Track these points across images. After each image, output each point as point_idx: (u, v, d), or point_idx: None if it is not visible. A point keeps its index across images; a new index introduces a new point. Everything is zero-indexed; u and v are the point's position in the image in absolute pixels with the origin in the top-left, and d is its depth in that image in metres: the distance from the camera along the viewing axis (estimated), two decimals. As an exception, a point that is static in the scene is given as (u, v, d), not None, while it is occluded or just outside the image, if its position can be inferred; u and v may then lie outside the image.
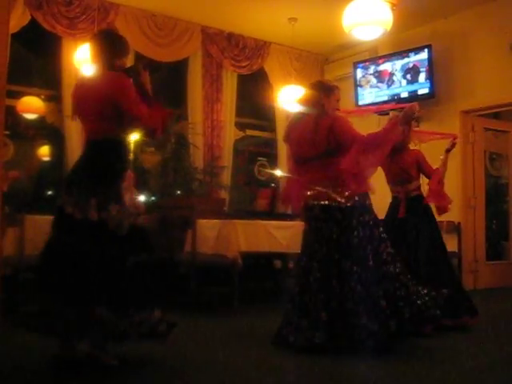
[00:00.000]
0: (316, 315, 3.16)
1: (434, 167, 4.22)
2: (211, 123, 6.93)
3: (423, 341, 3.59)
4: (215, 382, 2.68)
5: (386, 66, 6.76)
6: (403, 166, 4.15)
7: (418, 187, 4.21)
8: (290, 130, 3.57)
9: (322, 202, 3.32)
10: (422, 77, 6.40)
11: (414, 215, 4.11)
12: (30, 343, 3.00)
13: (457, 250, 6.13)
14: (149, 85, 2.93)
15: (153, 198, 6.07)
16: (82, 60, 5.45)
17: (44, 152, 6.92)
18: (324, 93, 3.41)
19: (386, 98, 6.75)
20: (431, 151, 4.37)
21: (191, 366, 2.87)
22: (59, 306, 2.67)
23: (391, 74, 6.71)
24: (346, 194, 3.28)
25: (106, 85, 2.82)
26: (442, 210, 4.21)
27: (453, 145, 4.24)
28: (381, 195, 4.49)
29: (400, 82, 6.62)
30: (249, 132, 7.46)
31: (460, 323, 3.89)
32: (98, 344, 2.74)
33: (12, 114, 5.77)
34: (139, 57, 5.85)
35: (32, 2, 5.61)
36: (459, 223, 6.17)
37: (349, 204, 3.28)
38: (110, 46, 2.91)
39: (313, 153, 3.34)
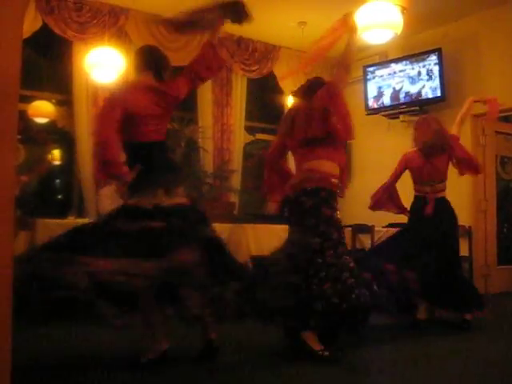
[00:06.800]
0: None
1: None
2: (221, 127, 6.94)
3: (427, 340, 3.59)
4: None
5: (396, 70, 6.74)
6: (440, 167, 4.24)
7: (445, 188, 4.28)
8: None
9: None
10: (432, 80, 6.38)
11: (440, 216, 4.17)
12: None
13: (468, 254, 6.09)
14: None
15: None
16: (93, 64, 5.49)
17: (55, 156, 6.95)
18: None
19: (396, 102, 6.73)
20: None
21: (197, 371, 2.86)
22: None
23: (401, 78, 6.69)
24: None
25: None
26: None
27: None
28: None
29: (410, 86, 6.60)
30: (259, 136, 7.45)
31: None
32: None
33: (23, 119, 5.79)
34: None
35: (44, 7, 5.65)
36: (470, 227, 6.12)
37: None
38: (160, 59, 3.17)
39: None
